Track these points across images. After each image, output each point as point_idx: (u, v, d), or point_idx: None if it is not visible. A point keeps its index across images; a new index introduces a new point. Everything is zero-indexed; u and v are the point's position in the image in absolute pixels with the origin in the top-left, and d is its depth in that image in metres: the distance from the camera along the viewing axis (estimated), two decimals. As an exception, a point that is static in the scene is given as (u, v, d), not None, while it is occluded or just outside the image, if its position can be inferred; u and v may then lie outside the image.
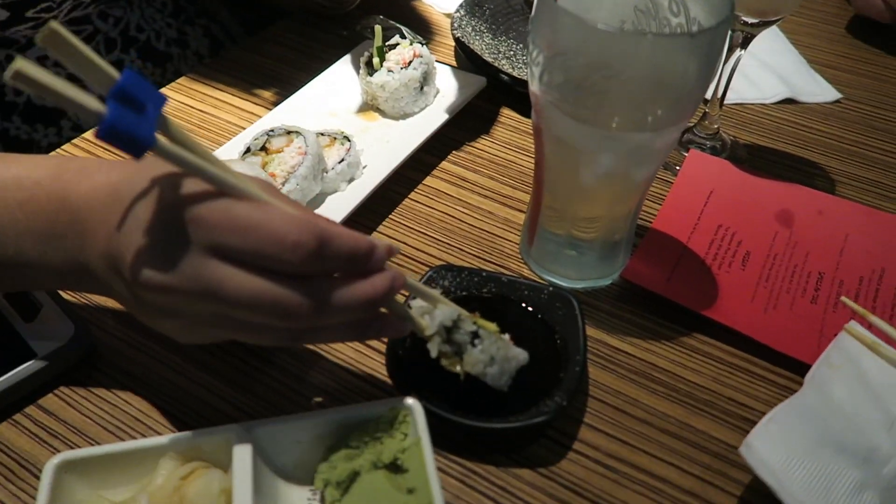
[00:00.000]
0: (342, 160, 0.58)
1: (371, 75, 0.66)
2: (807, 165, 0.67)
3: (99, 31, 0.75)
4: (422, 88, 0.66)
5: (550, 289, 0.49)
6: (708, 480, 0.43)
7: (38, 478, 0.41)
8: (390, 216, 0.59)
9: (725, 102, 0.65)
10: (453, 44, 0.80)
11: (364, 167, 0.60)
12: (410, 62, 0.66)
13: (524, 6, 0.82)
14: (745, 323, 0.50)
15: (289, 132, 0.58)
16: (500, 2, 0.82)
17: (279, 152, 0.56)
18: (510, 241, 0.57)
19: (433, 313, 0.40)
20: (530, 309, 0.49)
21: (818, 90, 0.76)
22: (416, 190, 0.62)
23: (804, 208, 0.60)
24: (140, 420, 0.44)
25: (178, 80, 0.74)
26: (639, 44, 0.40)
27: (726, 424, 0.45)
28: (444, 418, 0.41)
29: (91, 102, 0.28)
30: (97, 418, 0.44)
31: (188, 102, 0.71)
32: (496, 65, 0.71)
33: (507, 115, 0.71)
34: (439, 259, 0.56)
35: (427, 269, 0.51)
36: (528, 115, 0.70)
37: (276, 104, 0.68)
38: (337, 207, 0.56)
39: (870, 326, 0.47)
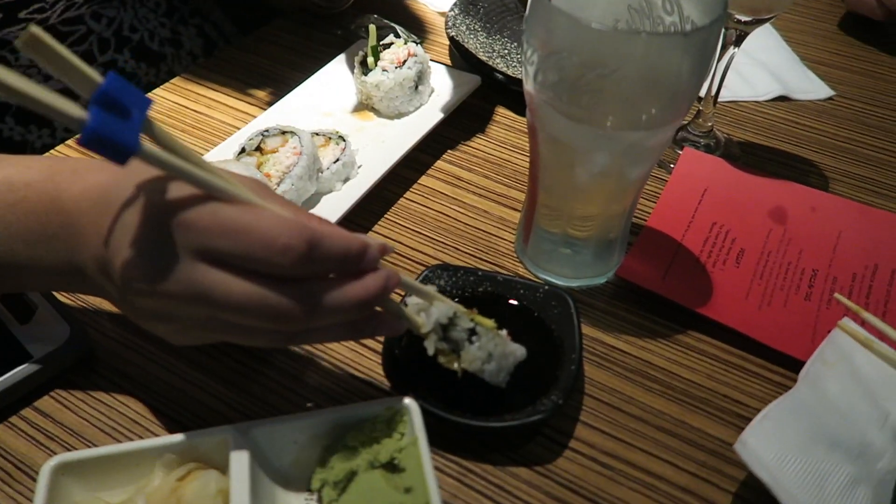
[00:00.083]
0: (337, 160, 0.58)
1: (366, 75, 0.66)
2: (800, 162, 0.67)
3: (92, 32, 0.74)
4: (416, 87, 0.66)
5: (546, 287, 0.49)
6: (703, 477, 0.43)
7: (34, 480, 0.40)
8: (386, 215, 0.59)
9: (719, 100, 0.66)
10: (448, 43, 0.80)
11: (359, 167, 0.60)
12: (405, 61, 0.66)
13: (518, 5, 0.83)
14: (740, 320, 0.50)
15: (284, 132, 0.58)
16: (494, 0, 0.82)
17: (274, 152, 0.56)
18: (505, 239, 0.58)
19: (429, 311, 0.40)
20: (526, 308, 0.49)
21: (811, 87, 0.77)
22: (411, 189, 0.62)
23: (798, 205, 0.60)
24: (136, 421, 0.44)
25: (172, 81, 0.73)
26: (633, 43, 0.41)
27: (721, 421, 0.46)
28: (441, 417, 0.42)
29: (72, 109, 0.28)
30: (94, 420, 0.44)
31: (182, 103, 0.71)
32: (491, 64, 0.71)
33: (502, 113, 0.71)
34: (435, 258, 0.56)
35: (423, 268, 0.51)
36: (522, 114, 0.70)
37: (270, 104, 0.68)
38: (332, 207, 0.56)
39: (863, 323, 0.47)
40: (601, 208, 0.51)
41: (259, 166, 0.56)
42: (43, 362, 0.44)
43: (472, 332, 0.41)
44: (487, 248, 0.57)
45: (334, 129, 0.62)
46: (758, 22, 0.58)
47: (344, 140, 0.60)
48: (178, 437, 0.38)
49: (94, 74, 0.29)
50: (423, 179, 0.63)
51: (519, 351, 0.42)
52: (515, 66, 0.73)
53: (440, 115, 0.65)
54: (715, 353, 0.50)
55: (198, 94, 0.72)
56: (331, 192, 0.58)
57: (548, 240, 0.53)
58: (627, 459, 0.43)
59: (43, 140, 0.73)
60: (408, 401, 0.39)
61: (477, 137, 0.68)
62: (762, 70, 0.78)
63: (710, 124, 0.67)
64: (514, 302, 0.49)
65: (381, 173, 0.58)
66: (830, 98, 0.76)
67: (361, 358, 0.48)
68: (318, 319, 0.35)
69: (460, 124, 0.68)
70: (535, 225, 0.53)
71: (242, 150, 0.57)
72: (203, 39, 0.87)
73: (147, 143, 0.30)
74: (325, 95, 0.68)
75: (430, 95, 0.68)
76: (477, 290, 0.50)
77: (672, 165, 0.64)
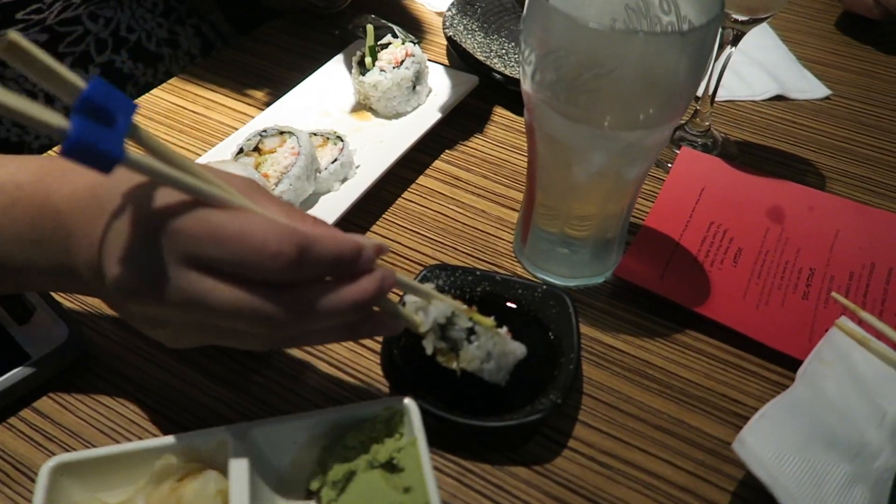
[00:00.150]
0: (335, 160, 0.58)
1: (363, 75, 0.66)
2: (797, 162, 0.68)
3: (89, 32, 0.74)
4: (414, 87, 0.66)
5: (544, 287, 0.49)
6: (701, 476, 0.43)
7: (33, 481, 0.40)
8: (384, 216, 0.59)
9: (716, 100, 0.66)
10: (445, 43, 0.80)
11: (357, 167, 0.60)
12: (403, 61, 0.66)
13: (515, 4, 0.83)
14: (738, 319, 0.50)
15: (282, 132, 0.58)
16: (492, 0, 0.82)
17: (272, 153, 0.56)
18: (504, 239, 0.58)
19: (427, 310, 0.40)
20: (524, 307, 0.49)
21: (808, 87, 0.77)
22: (409, 189, 0.62)
23: (795, 205, 0.60)
24: (135, 422, 0.44)
25: (170, 81, 0.73)
26: (630, 42, 0.41)
27: (719, 420, 0.46)
28: (440, 417, 0.42)
29: (53, 118, 0.27)
30: (92, 421, 0.44)
31: (180, 103, 0.71)
32: (488, 63, 0.71)
33: (500, 113, 0.71)
34: (433, 258, 0.56)
35: (421, 268, 0.51)
36: (520, 114, 0.70)
37: (268, 104, 0.68)
38: (330, 207, 0.56)
39: (860, 322, 0.47)
40: (599, 208, 0.51)
41: (257, 166, 0.56)
42: (41, 363, 0.44)
43: (471, 331, 0.41)
44: (485, 248, 0.57)
45: (332, 130, 0.62)
46: (755, 21, 0.58)
47: (342, 140, 0.60)
48: (177, 438, 0.38)
49: (76, 80, 0.28)
50: (421, 179, 0.63)
51: (519, 350, 0.42)
52: (513, 66, 0.73)
53: (438, 115, 0.65)
54: (713, 353, 0.50)
55: (195, 94, 0.72)
56: (329, 192, 0.58)
57: (546, 239, 0.53)
58: (626, 458, 0.44)
59: (40, 141, 0.73)
60: (407, 401, 0.39)
61: (475, 137, 0.68)
62: (759, 69, 0.79)
63: (707, 124, 0.67)
64: (513, 302, 0.49)
65: (379, 173, 0.58)
66: (827, 97, 0.76)
67: (360, 358, 0.48)
68: (313, 323, 0.35)
69: (458, 124, 0.68)
70: (533, 224, 0.53)
71: (240, 151, 0.57)
72: (200, 40, 0.87)
73: (133, 150, 0.29)
74: (323, 96, 0.68)
75: (427, 95, 0.68)
76: (475, 289, 0.50)
77: (669, 165, 0.65)
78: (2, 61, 0.68)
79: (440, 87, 0.69)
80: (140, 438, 0.43)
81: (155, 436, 0.43)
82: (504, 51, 0.76)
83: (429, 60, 0.69)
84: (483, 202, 0.61)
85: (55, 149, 0.65)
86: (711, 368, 0.49)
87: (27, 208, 0.37)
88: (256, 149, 0.57)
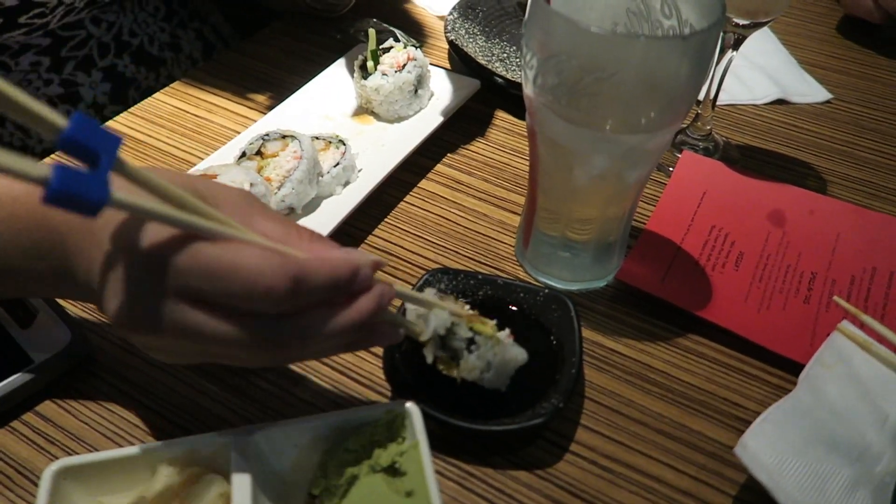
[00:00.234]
0: (337, 164, 0.58)
1: (365, 79, 0.66)
2: (798, 166, 0.68)
3: (92, 36, 0.75)
4: (416, 91, 0.66)
5: (546, 291, 0.50)
6: (703, 480, 0.43)
7: (36, 485, 0.41)
8: (386, 219, 0.59)
9: (718, 103, 0.66)
10: (447, 47, 0.80)
11: (359, 170, 0.60)
12: (404, 65, 0.66)
13: (517, 8, 0.83)
14: (739, 323, 0.51)
15: (284, 136, 0.58)
16: (493, 4, 0.82)
17: (274, 157, 0.56)
18: (505, 243, 0.58)
19: (428, 318, 0.40)
20: (526, 311, 0.49)
21: (809, 91, 0.77)
22: (411, 193, 0.62)
23: (796, 208, 0.60)
24: (138, 426, 0.44)
25: (173, 85, 0.74)
26: (631, 46, 0.41)
27: (721, 424, 0.46)
28: (442, 421, 0.42)
29: (32, 168, 0.25)
30: (95, 424, 0.44)
31: (182, 107, 0.71)
32: (490, 67, 0.72)
33: (502, 117, 0.71)
34: (435, 262, 0.56)
35: (423, 272, 0.51)
36: (522, 118, 0.70)
37: (270, 108, 0.68)
38: (332, 211, 0.56)
39: (862, 325, 0.47)
40: (600, 211, 0.51)
41: (260, 170, 0.56)
42: (44, 367, 0.44)
43: (471, 340, 0.41)
44: (487, 252, 0.57)
45: (334, 133, 0.62)
46: (756, 25, 0.58)
47: (344, 144, 0.60)
48: (180, 442, 0.38)
49: (56, 119, 0.27)
50: (423, 183, 0.63)
51: (520, 356, 0.42)
52: (514, 70, 0.73)
53: (440, 119, 0.65)
54: (714, 356, 0.50)
55: (198, 98, 0.72)
56: (331, 195, 0.58)
57: (547, 243, 0.53)
58: (627, 462, 0.44)
59: (43, 145, 0.73)
60: (409, 405, 0.39)
61: (476, 141, 0.68)
62: (760, 73, 0.79)
63: (708, 127, 0.67)
64: (514, 305, 0.49)
65: (381, 177, 0.58)
66: (828, 101, 0.76)
67: (362, 362, 0.48)
68: (312, 346, 0.35)
69: (460, 128, 0.69)
70: (534, 228, 0.53)
71: (243, 155, 0.57)
72: (202, 43, 0.88)
73: (119, 191, 0.28)
74: (325, 99, 0.68)
75: (429, 99, 0.68)
76: (477, 293, 0.50)
77: (671, 169, 0.65)
78: None
79: (442, 90, 0.69)
80: (142, 442, 0.43)
81: (157, 439, 0.43)
82: (505, 55, 0.76)
83: (430, 64, 0.69)
84: (485, 206, 0.61)
85: (58, 153, 0.65)
86: (713, 372, 0.49)
87: (27, 223, 0.37)
88: (259, 152, 0.57)
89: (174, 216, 0.31)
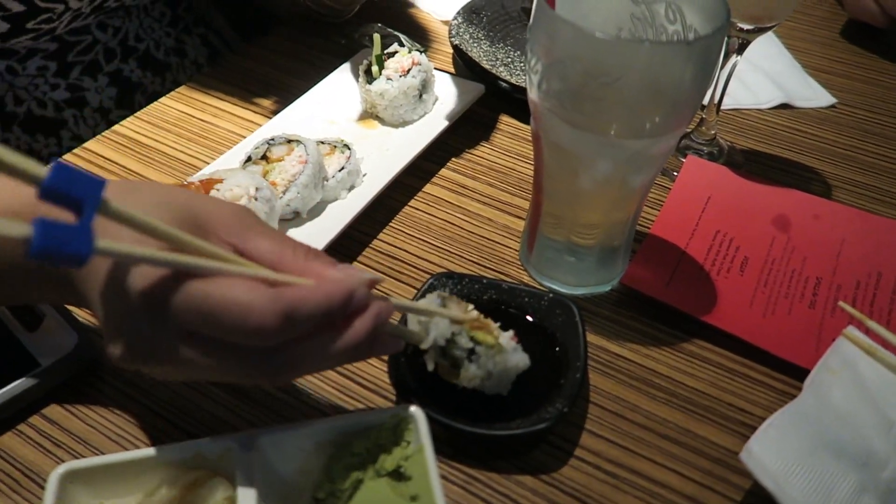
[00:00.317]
0: (342, 168, 0.58)
1: (370, 83, 0.66)
2: (802, 170, 0.68)
3: (98, 41, 0.75)
4: (421, 96, 0.66)
5: (550, 295, 0.50)
6: (708, 486, 0.43)
7: (42, 487, 0.41)
8: (390, 224, 0.60)
9: (722, 108, 0.66)
10: (451, 51, 0.80)
11: (364, 175, 0.61)
12: (409, 70, 0.66)
13: (521, 13, 0.83)
14: (744, 328, 0.50)
15: (289, 141, 0.58)
16: (498, 9, 0.82)
17: (280, 161, 0.56)
18: (510, 247, 0.58)
19: (428, 326, 0.40)
20: (530, 316, 0.49)
21: (813, 95, 0.77)
22: (415, 197, 0.62)
23: (801, 213, 0.60)
24: (143, 429, 0.44)
25: (178, 90, 0.74)
26: (636, 51, 0.41)
27: (726, 430, 0.46)
28: (447, 425, 0.42)
29: (13, 229, 0.25)
30: (101, 428, 0.44)
31: (188, 111, 0.71)
32: (494, 72, 0.72)
33: (506, 121, 0.71)
34: (439, 266, 0.56)
35: (427, 276, 0.51)
36: (527, 122, 0.71)
37: (275, 112, 0.69)
38: (337, 215, 0.56)
39: (867, 331, 0.47)
40: (605, 216, 0.51)
41: (265, 175, 0.56)
42: (51, 370, 0.44)
43: (472, 350, 0.40)
44: (492, 256, 0.57)
45: (339, 138, 0.62)
46: (760, 30, 0.58)
47: (349, 148, 0.60)
48: (185, 445, 0.38)
49: (35, 168, 0.26)
50: (428, 187, 0.63)
51: (521, 362, 0.42)
52: (519, 75, 0.73)
53: (444, 124, 0.65)
54: (719, 361, 0.50)
55: (203, 102, 0.72)
56: (336, 200, 0.59)
57: (552, 248, 0.53)
58: (632, 468, 0.44)
59: (49, 149, 0.73)
60: (413, 409, 0.39)
61: (481, 145, 0.68)
62: (764, 78, 0.79)
63: (713, 132, 0.67)
64: (519, 310, 0.49)
65: (386, 182, 0.58)
66: (832, 106, 0.76)
67: (367, 366, 0.48)
68: (310, 370, 0.35)
69: (464, 132, 0.69)
70: (539, 233, 0.53)
71: (249, 159, 0.57)
72: (208, 48, 0.88)
73: (103, 238, 0.28)
74: (330, 104, 0.68)
75: (434, 104, 0.69)
76: (482, 298, 0.50)
77: (675, 173, 0.65)
78: None
79: (446, 95, 0.69)
80: (148, 445, 0.43)
81: (162, 443, 0.43)
82: (510, 59, 0.76)
83: (435, 69, 0.69)
84: (489, 210, 0.61)
85: (65, 156, 0.65)
86: (718, 377, 0.49)
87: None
88: (264, 157, 0.57)
89: (161, 258, 0.31)
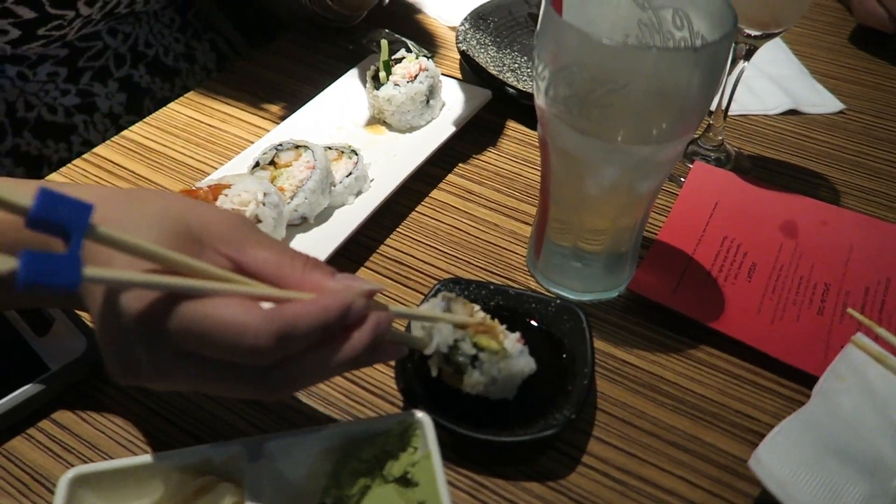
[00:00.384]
0: (350, 174, 0.59)
1: (377, 89, 0.66)
2: (810, 176, 0.67)
3: (109, 47, 0.76)
4: (428, 102, 0.67)
5: (557, 301, 0.50)
6: (716, 493, 0.43)
7: (52, 492, 0.41)
8: (397, 229, 0.60)
9: (729, 114, 0.66)
10: (458, 57, 0.81)
11: (371, 180, 0.61)
12: (416, 76, 0.66)
13: (528, 19, 0.83)
14: (752, 334, 0.50)
15: (297, 146, 0.58)
16: (505, 15, 0.83)
17: (288, 166, 0.57)
18: (517, 253, 0.58)
19: (432, 332, 0.40)
20: (538, 322, 0.49)
21: (821, 101, 0.77)
22: (423, 203, 0.62)
23: (808, 219, 0.60)
24: (152, 434, 0.45)
25: (187, 95, 0.74)
26: (643, 58, 0.41)
27: (734, 437, 0.45)
28: (454, 431, 0.42)
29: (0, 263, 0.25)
30: (110, 432, 0.44)
31: (196, 117, 0.71)
32: (501, 78, 0.72)
33: (513, 127, 0.72)
34: (447, 272, 0.56)
35: (434, 281, 0.51)
36: (534, 128, 0.71)
37: (283, 118, 0.69)
38: (345, 221, 0.57)
39: (876, 338, 0.47)
40: (612, 222, 0.51)
41: (273, 180, 0.56)
42: (60, 374, 0.45)
43: (475, 357, 0.40)
44: (499, 262, 0.57)
45: (347, 143, 0.62)
46: (767, 36, 0.58)
47: (356, 154, 0.61)
48: (193, 450, 0.38)
49: (20, 200, 0.26)
50: (435, 193, 0.63)
51: (527, 367, 0.42)
52: (526, 81, 0.73)
53: (451, 129, 0.65)
54: (727, 368, 0.50)
55: (212, 108, 0.73)
56: (343, 205, 0.59)
57: (559, 253, 0.53)
58: (640, 475, 0.43)
59: (59, 154, 0.74)
60: (421, 415, 0.39)
61: (488, 151, 0.69)
62: (772, 84, 0.79)
63: (720, 138, 0.67)
64: (526, 316, 0.49)
65: (393, 187, 0.59)
66: (841, 111, 0.76)
67: (374, 372, 0.49)
68: (310, 384, 0.35)
69: (471, 138, 0.69)
70: (546, 238, 0.53)
71: (257, 164, 0.58)
72: (216, 54, 0.89)
73: (91, 266, 0.28)
74: (338, 110, 0.69)
75: (441, 109, 0.69)
76: (489, 303, 0.50)
77: (683, 179, 0.65)
78: None
79: (453, 101, 0.69)
80: (156, 450, 0.43)
81: (171, 448, 0.43)
82: (517, 65, 0.76)
83: (442, 75, 0.69)
84: (496, 216, 0.61)
85: (74, 162, 0.66)
86: (726, 384, 0.49)
87: (30, 243, 0.37)
88: (272, 162, 0.58)
89: (152, 282, 0.31)
